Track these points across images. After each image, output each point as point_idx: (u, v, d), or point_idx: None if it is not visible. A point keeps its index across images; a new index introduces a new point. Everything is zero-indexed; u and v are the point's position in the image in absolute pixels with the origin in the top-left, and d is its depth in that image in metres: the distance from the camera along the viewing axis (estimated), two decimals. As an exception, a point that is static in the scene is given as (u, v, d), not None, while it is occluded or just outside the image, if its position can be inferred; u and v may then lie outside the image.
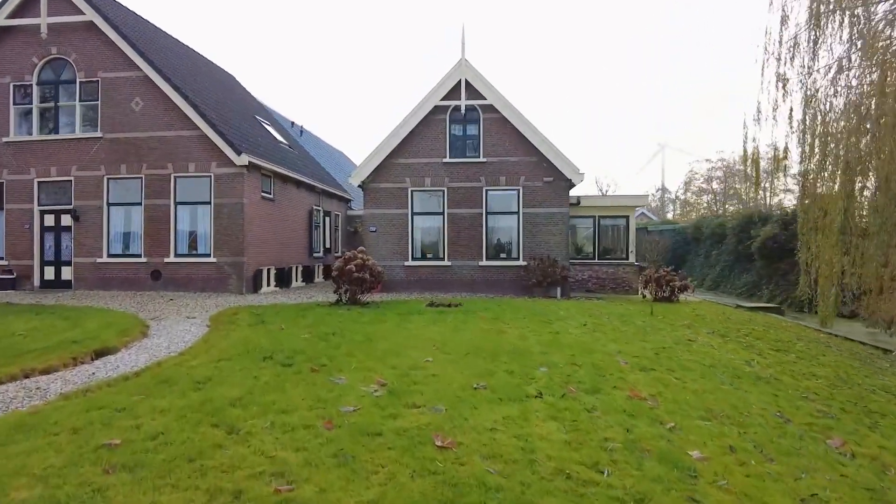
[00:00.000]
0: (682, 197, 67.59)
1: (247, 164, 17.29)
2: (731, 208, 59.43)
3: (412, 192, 19.09)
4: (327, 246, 26.07)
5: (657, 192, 74.46)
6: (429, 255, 19.23)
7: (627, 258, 20.73)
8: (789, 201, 42.18)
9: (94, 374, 7.17)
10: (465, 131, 19.17)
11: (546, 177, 18.73)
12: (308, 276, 22.83)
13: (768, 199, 55.28)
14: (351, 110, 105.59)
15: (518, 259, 18.88)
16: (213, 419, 5.04)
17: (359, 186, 19.44)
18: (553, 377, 6.69)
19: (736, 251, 27.12)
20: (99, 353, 8.37)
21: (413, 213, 19.11)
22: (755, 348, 9.56)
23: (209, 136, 17.33)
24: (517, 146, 18.84)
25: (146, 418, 5.09)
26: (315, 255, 24.23)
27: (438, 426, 4.87)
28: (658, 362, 7.80)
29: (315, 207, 24.33)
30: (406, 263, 18.90)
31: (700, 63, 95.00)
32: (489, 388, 6.12)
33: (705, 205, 65.66)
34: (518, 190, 18.91)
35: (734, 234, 27.24)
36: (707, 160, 71.63)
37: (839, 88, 11.99)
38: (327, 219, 26.07)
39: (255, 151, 18.47)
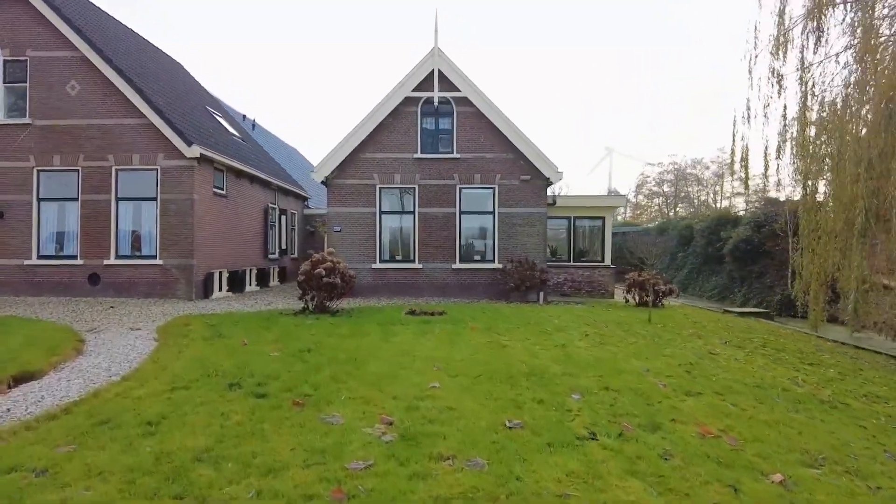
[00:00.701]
0: (634, 200, 68.16)
1: (198, 156, 15.58)
2: (682, 211, 60.18)
3: (380, 189, 17.70)
4: (283, 247, 24.37)
5: (608, 194, 74.92)
6: (398, 258, 17.88)
7: (603, 260, 19.88)
8: (741, 204, 42.50)
9: (9, 410, 5.60)
10: (437, 125, 17.91)
11: (523, 175, 17.66)
12: (263, 279, 21.14)
13: (720, 202, 55.92)
14: (305, 106, 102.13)
15: (493, 261, 17.74)
16: (174, 487, 3.64)
17: (322, 183, 17.94)
18: (595, 408, 5.50)
19: (705, 253, 26.71)
20: (18, 379, 6.73)
21: (381, 212, 17.72)
22: (786, 362, 8.65)
23: (155, 125, 15.55)
24: (493, 142, 17.71)
25: (78, 487, 3.65)
26: (270, 256, 22.53)
27: (489, 492, 3.61)
28: (696, 382, 6.73)
29: (270, 205, 22.63)
30: (374, 266, 17.50)
31: (691, 60, 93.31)
32: (527, 427, 4.88)
33: (656, 207, 66.37)
34: (494, 189, 17.77)
35: (703, 236, 26.83)
36: (659, 164, 72.65)
37: (847, 85, 11.29)
38: (283, 218, 24.38)
39: (206, 143, 16.75)
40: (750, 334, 11.63)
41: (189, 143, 15.44)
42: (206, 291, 16.41)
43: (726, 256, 23.65)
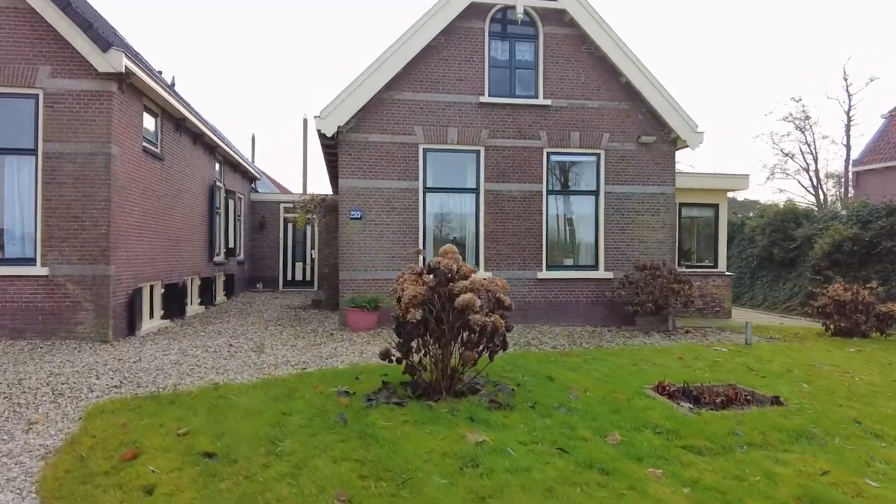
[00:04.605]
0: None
1: (122, 71, 8.28)
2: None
3: (425, 151, 11.00)
4: (230, 245, 16.86)
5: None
6: (451, 262, 11.22)
7: (717, 265, 14.17)
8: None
9: None
10: (513, 53, 11.42)
11: (644, 134, 11.55)
12: (207, 294, 13.76)
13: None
14: (228, 73, 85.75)
15: (597, 268, 11.52)
16: None
17: (327, 140, 11.02)
18: None
19: (765, 255, 21.82)
20: None
21: (426, 189, 11.03)
22: None
23: (34, 9, 8.13)
24: (599, 83, 11.47)
25: None
26: (216, 259, 15.06)
27: None
28: None
29: (216, 183, 15.21)
30: (415, 276, 10.74)
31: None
32: None
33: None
34: (599, 155, 11.54)
35: (764, 235, 21.87)
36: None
37: None
38: (231, 203, 16.88)
39: (133, 59, 9.35)
40: None
41: (105, 47, 8.13)
42: (132, 322, 9.12)
43: (822, 260, 18.61)
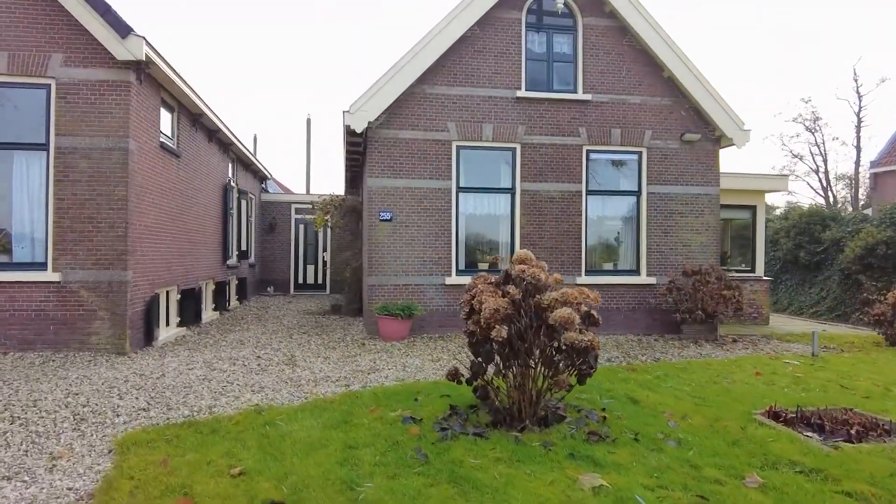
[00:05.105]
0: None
1: (143, 59, 7.62)
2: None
3: (459, 148, 10.35)
4: (243, 247, 16.15)
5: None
6: (484, 266, 10.60)
7: (754, 269, 13.56)
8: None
9: None
10: (550, 46, 10.78)
11: (689, 131, 10.92)
12: (220, 298, 13.07)
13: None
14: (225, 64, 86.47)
15: (638, 273, 10.89)
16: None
17: (354, 137, 10.36)
18: None
19: (793, 258, 21.26)
20: None
21: (459, 189, 10.38)
22: None
23: (47, -9, 7.50)
24: (641, 78, 10.84)
25: None
26: (229, 262, 14.38)
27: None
28: None
29: (230, 182, 14.53)
30: (448, 281, 10.14)
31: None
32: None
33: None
34: (640, 153, 10.92)
35: (789, 238, 21.26)
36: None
37: None
38: (243, 203, 16.18)
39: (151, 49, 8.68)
40: None
41: (125, 33, 7.47)
42: (149, 332, 8.45)
43: (853, 264, 18.04)
